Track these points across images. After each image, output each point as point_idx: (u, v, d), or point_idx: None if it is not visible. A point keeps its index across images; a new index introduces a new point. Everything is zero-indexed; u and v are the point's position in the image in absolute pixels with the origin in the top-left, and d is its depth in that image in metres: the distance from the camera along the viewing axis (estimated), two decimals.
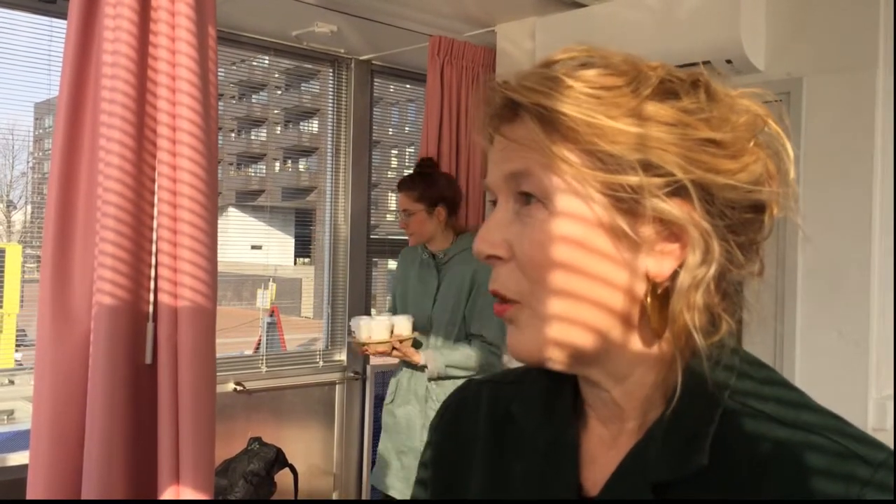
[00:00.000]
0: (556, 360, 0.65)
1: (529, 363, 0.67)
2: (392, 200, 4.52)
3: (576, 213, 0.62)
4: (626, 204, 0.61)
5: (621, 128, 0.60)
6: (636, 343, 0.65)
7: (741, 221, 0.63)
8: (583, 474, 0.68)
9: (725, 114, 0.63)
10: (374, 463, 3.51)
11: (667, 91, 0.63)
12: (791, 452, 0.60)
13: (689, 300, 0.62)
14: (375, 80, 3.61)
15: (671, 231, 0.62)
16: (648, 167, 0.60)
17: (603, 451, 0.68)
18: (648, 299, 0.63)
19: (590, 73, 0.63)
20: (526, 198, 0.64)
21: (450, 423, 0.80)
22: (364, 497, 3.50)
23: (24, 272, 3.98)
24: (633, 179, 0.60)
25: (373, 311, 3.87)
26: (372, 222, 3.72)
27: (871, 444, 0.60)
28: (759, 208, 0.64)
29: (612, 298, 0.63)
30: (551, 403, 0.72)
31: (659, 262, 0.63)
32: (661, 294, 0.63)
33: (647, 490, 0.61)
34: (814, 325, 2.24)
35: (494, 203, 0.68)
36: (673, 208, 0.61)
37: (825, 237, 2.16)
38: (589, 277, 0.63)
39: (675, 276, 0.63)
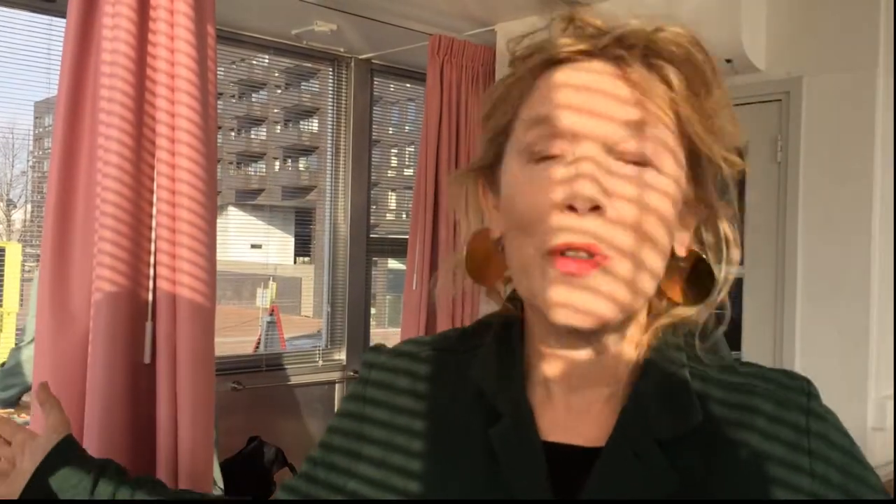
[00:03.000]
0: (627, 312, 0.64)
1: (593, 328, 0.62)
2: (392, 200, 4.52)
3: (675, 176, 0.64)
4: (699, 184, 0.66)
5: (719, 107, 0.64)
6: (643, 309, 0.69)
7: (721, 195, 0.68)
8: (554, 437, 0.66)
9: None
10: None
11: (716, 82, 0.66)
12: (743, 401, 0.66)
13: (721, 283, 0.66)
14: (375, 79, 3.61)
15: (691, 210, 0.67)
16: (722, 156, 0.65)
17: (576, 418, 0.67)
18: (682, 267, 0.68)
19: (692, 47, 0.64)
20: (639, 151, 0.61)
21: (362, 404, 0.74)
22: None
23: (23, 271, 3.98)
24: (717, 164, 0.65)
25: (372, 310, 3.87)
26: (372, 221, 3.72)
27: (791, 375, 0.69)
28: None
29: (660, 267, 0.65)
30: (504, 370, 0.70)
31: (681, 240, 0.67)
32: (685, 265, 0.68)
33: (654, 446, 0.63)
34: (813, 325, 2.24)
35: (548, 158, 0.62)
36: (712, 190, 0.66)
37: (825, 236, 2.16)
38: (663, 242, 0.64)
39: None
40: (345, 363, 3.53)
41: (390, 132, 4.25)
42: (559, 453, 0.65)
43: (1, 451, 1.02)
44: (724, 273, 0.67)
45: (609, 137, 0.61)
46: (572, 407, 0.68)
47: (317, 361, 3.49)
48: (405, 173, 4.68)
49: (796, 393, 0.67)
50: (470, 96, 3.11)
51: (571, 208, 0.60)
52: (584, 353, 0.67)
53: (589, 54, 0.64)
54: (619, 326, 0.66)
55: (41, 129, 3.31)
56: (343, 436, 0.74)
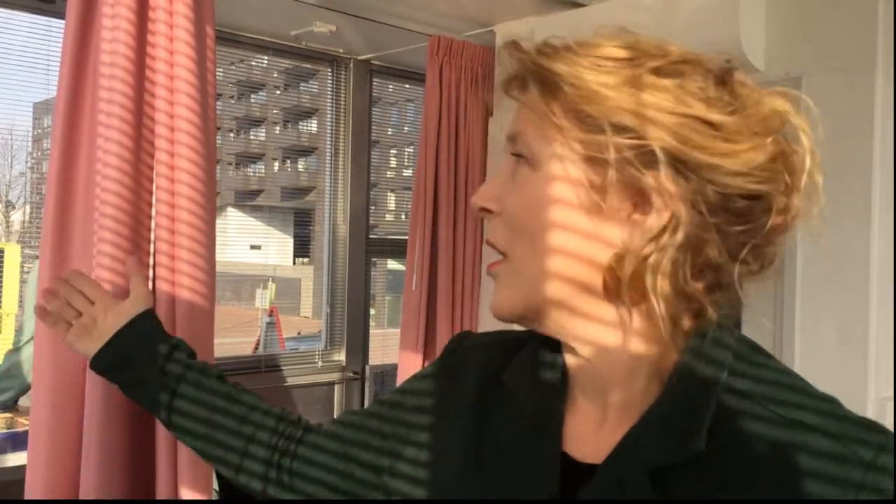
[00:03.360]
0: (521, 314, 0.68)
1: (507, 319, 0.70)
2: (391, 200, 4.52)
3: (556, 175, 0.65)
4: (602, 169, 0.62)
5: (610, 91, 0.62)
6: (607, 311, 0.66)
7: (732, 210, 0.63)
8: (571, 449, 0.68)
9: (736, 101, 0.64)
10: None
11: (672, 71, 0.64)
12: (787, 435, 0.60)
13: (655, 265, 0.61)
14: (374, 79, 3.61)
15: (645, 202, 0.63)
16: (622, 130, 0.61)
17: (593, 429, 0.68)
18: (616, 267, 0.64)
19: (600, 45, 0.65)
20: (517, 157, 0.68)
21: (444, 378, 0.81)
22: None
23: (22, 272, 3.97)
24: (611, 140, 0.61)
25: (372, 311, 3.87)
26: (371, 222, 3.72)
27: (870, 428, 0.60)
28: (754, 199, 0.64)
29: (578, 262, 0.65)
30: (541, 376, 0.72)
31: (630, 232, 0.63)
32: (636, 265, 0.63)
33: (643, 474, 0.61)
34: (812, 326, 2.24)
35: None
36: (640, 174, 0.61)
37: (824, 236, 2.16)
38: (561, 238, 0.65)
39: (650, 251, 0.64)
40: (344, 364, 3.53)
41: (389, 133, 4.25)
42: (569, 468, 0.67)
43: (85, 308, 1.11)
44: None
45: (507, 153, 0.70)
46: (591, 417, 0.69)
47: (316, 362, 3.49)
48: (404, 174, 4.68)
49: (865, 447, 0.58)
50: (469, 97, 3.10)
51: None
52: (574, 356, 0.69)
53: (504, 89, 0.72)
54: (570, 322, 0.67)
55: (40, 131, 3.31)
56: (412, 396, 0.83)
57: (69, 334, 1.12)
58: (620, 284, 0.64)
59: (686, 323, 0.65)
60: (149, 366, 1.03)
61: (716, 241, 0.63)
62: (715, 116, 0.62)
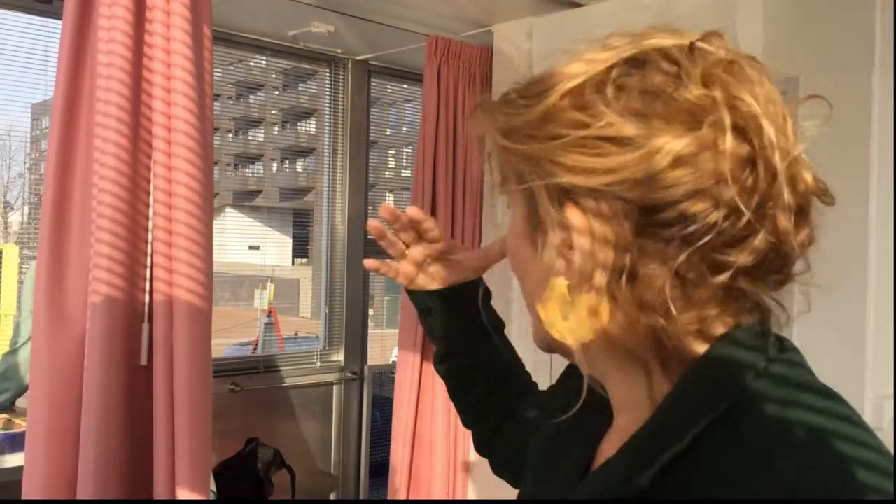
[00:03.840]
0: (551, 349, 0.69)
1: (543, 348, 0.71)
2: (390, 200, 4.51)
3: (512, 222, 0.68)
4: (534, 211, 0.63)
5: (519, 140, 0.61)
6: (595, 346, 0.62)
7: (654, 225, 0.57)
8: (598, 459, 0.70)
9: (660, 94, 0.58)
10: (372, 465, 3.50)
11: (581, 89, 0.59)
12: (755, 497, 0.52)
13: (584, 307, 0.59)
14: (372, 80, 3.61)
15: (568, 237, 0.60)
16: (517, 175, 0.63)
17: (607, 446, 0.69)
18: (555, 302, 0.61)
19: (534, 81, 0.64)
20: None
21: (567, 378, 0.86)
22: (362, 498, 3.50)
23: (21, 273, 3.96)
24: (512, 187, 0.64)
25: (370, 311, 3.87)
26: (369, 222, 3.72)
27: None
28: (671, 207, 0.56)
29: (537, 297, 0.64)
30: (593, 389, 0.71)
31: (553, 262, 0.61)
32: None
33: (595, 500, 0.62)
34: (810, 325, 2.24)
35: None
36: (557, 213, 0.60)
37: (821, 236, 2.16)
38: (526, 281, 0.68)
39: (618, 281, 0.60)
40: (343, 364, 3.53)
41: (388, 133, 4.25)
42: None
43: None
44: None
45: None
46: (613, 437, 0.69)
47: (315, 363, 3.49)
48: (403, 174, 4.68)
49: None
50: (467, 97, 3.10)
51: None
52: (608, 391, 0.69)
53: None
54: (576, 357, 0.62)
55: (38, 131, 3.31)
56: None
57: (403, 268, 1.11)
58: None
59: (682, 352, 0.59)
60: (461, 318, 1.08)
61: (656, 262, 0.57)
62: (611, 129, 0.57)
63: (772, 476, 0.52)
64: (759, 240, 0.58)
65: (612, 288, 0.58)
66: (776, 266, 0.61)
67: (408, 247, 1.10)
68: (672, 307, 0.57)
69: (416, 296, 1.09)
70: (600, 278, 0.58)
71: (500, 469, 1.04)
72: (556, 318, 0.61)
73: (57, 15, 2.04)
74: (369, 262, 1.13)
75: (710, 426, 0.56)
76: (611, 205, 0.57)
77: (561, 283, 0.60)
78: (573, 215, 0.59)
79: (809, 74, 2.26)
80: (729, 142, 0.56)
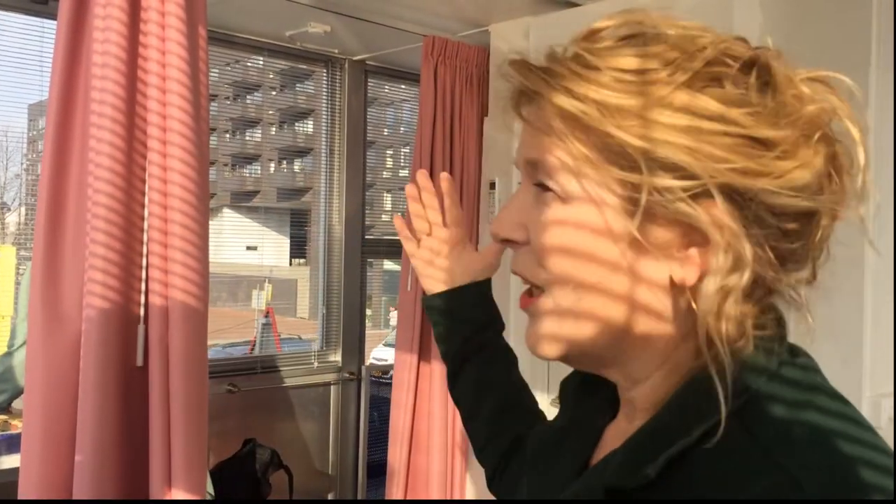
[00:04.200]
0: (564, 354, 0.63)
1: (547, 359, 0.64)
2: (387, 201, 4.51)
3: (590, 209, 0.58)
4: (639, 205, 0.56)
5: (647, 121, 0.55)
6: (653, 347, 0.61)
7: (785, 230, 0.57)
8: (597, 455, 0.70)
9: (781, 105, 0.57)
10: (370, 465, 3.50)
11: (710, 77, 0.56)
12: (762, 490, 0.52)
13: (717, 309, 0.56)
14: (370, 80, 3.60)
15: (695, 235, 0.57)
16: (665, 167, 0.55)
17: (611, 442, 0.69)
18: (670, 304, 0.59)
19: (623, 55, 0.58)
20: (542, 186, 0.61)
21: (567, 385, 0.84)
22: (360, 498, 3.50)
23: (17, 274, 3.96)
24: (658, 181, 0.55)
25: (368, 311, 3.86)
26: (367, 223, 3.71)
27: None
28: (808, 215, 0.58)
29: (615, 302, 0.59)
30: (600, 392, 0.73)
31: (681, 268, 0.58)
32: (687, 300, 0.58)
33: (600, 492, 0.60)
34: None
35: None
36: (695, 211, 0.55)
37: (878, 233, 2.16)
38: (593, 278, 0.59)
39: (700, 282, 0.57)
40: (340, 365, 3.52)
41: (385, 133, 4.24)
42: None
43: (438, 230, 1.08)
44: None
45: (527, 178, 0.64)
46: (617, 434, 0.68)
47: (312, 363, 3.49)
48: (400, 174, 4.68)
49: None
50: (464, 97, 3.10)
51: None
52: (622, 391, 0.69)
53: (512, 105, 0.65)
54: (612, 361, 0.63)
55: (35, 132, 3.30)
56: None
57: (416, 256, 1.09)
58: (654, 320, 0.60)
59: (722, 350, 0.58)
60: (465, 327, 1.05)
61: (773, 265, 0.57)
62: (764, 132, 0.55)
63: (779, 472, 0.52)
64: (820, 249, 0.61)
65: (736, 304, 0.56)
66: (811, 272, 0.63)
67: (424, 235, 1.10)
68: (750, 318, 0.57)
69: (427, 300, 1.08)
70: (742, 279, 0.56)
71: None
72: (678, 322, 0.60)
73: (52, 15, 2.04)
74: (399, 220, 1.12)
75: (719, 423, 0.55)
76: (757, 210, 0.56)
77: (691, 285, 0.57)
78: (723, 216, 0.55)
79: None
80: (862, 157, 0.60)
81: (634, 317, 0.60)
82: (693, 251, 0.57)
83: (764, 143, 0.55)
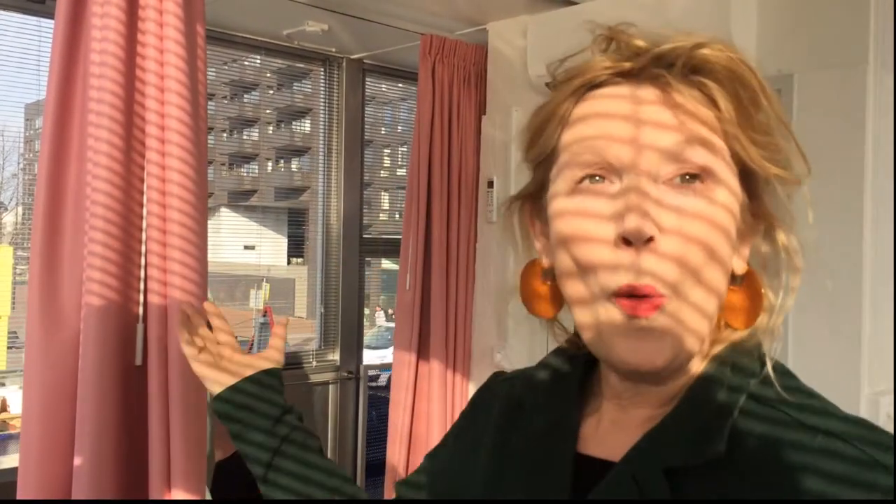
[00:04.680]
0: (689, 351, 0.61)
1: (660, 367, 0.61)
2: (384, 200, 4.51)
3: (728, 200, 0.61)
4: (759, 202, 0.64)
5: (776, 124, 0.62)
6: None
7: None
8: (590, 449, 0.68)
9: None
10: (368, 464, 3.50)
11: (773, 95, 0.64)
12: (810, 455, 0.57)
13: (783, 287, 0.64)
14: (367, 78, 3.60)
15: (774, 224, 0.65)
16: (785, 165, 0.63)
17: (613, 430, 0.68)
18: (740, 291, 0.65)
19: (752, 65, 0.63)
20: (684, 176, 0.59)
21: (472, 408, 0.84)
22: None
23: (15, 274, 3.95)
24: (779, 174, 0.62)
25: (366, 310, 3.86)
26: (364, 221, 3.71)
27: (885, 447, 0.57)
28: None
29: (718, 299, 0.63)
30: (556, 388, 0.73)
31: (739, 259, 0.65)
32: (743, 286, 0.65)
33: (658, 471, 0.60)
34: (806, 322, 2.24)
35: (591, 177, 0.61)
36: (783, 199, 0.65)
37: (816, 233, 2.16)
38: (722, 270, 0.62)
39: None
40: (338, 364, 3.52)
41: (383, 132, 4.24)
42: (588, 466, 0.66)
43: (211, 343, 1.12)
44: (787, 283, 0.65)
45: (653, 167, 0.59)
46: (617, 423, 0.68)
47: (310, 362, 3.49)
48: (398, 173, 4.68)
49: (886, 473, 0.55)
50: (462, 95, 3.10)
51: (626, 242, 0.58)
52: (643, 385, 0.67)
53: (629, 75, 0.62)
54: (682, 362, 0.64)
55: (32, 132, 3.29)
56: (451, 435, 0.85)
57: (197, 360, 1.10)
58: (739, 306, 0.65)
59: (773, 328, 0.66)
60: (263, 420, 1.03)
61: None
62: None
63: (821, 434, 0.58)
64: None
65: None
66: None
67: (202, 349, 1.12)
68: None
69: (218, 404, 1.06)
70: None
71: None
72: (743, 306, 0.65)
73: (50, 15, 2.03)
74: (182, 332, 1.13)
75: (752, 399, 0.62)
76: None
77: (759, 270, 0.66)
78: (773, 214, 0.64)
79: (804, 72, 2.26)
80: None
81: (715, 310, 0.63)
82: (754, 241, 0.64)
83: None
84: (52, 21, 1.57)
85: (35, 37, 2.70)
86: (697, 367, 0.65)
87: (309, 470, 1.00)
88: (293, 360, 3.48)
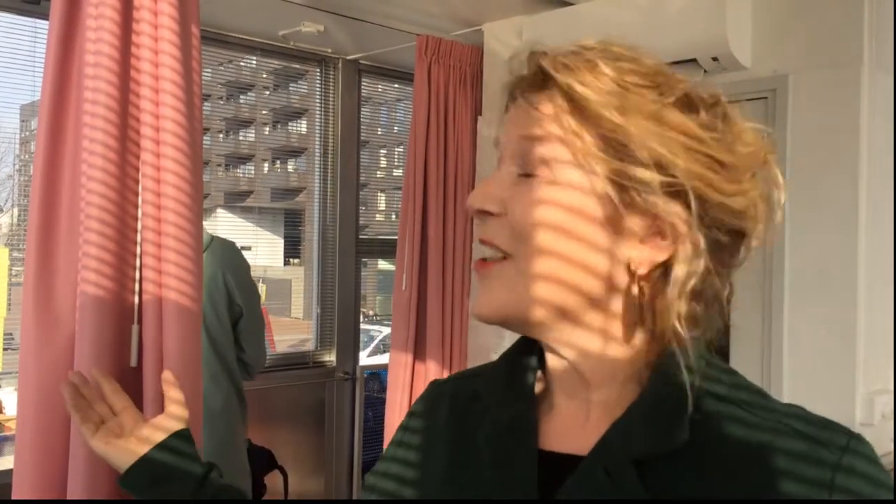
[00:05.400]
0: (505, 317, 0.69)
1: (490, 321, 0.70)
2: (381, 200, 4.51)
3: (575, 187, 0.66)
4: (626, 194, 0.65)
5: (643, 123, 0.64)
6: (596, 319, 0.68)
7: (720, 242, 0.67)
8: (553, 444, 0.70)
9: (734, 140, 0.67)
10: (364, 465, 3.50)
11: (688, 104, 0.67)
12: (763, 436, 0.63)
13: (681, 291, 0.65)
14: (363, 79, 3.60)
15: (659, 228, 0.66)
16: (658, 166, 0.64)
17: (575, 426, 0.71)
18: (635, 288, 0.67)
19: (624, 67, 0.66)
20: (531, 163, 0.68)
21: (411, 418, 0.84)
22: (355, 498, 3.50)
23: (10, 275, 3.94)
24: (642, 173, 0.64)
25: (362, 311, 3.86)
26: (361, 222, 3.71)
27: (835, 430, 0.64)
28: (738, 235, 0.68)
29: (588, 278, 0.67)
30: (512, 384, 0.75)
31: (642, 254, 0.66)
32: (647, 286, 0.67)
33: (628, 463, 0.63)
34: (801, 321, 2.25)
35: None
36: (672, 207, 0.64)
37: (812, 233, 2.17)
38: (572, 249, 0.67)
39: (657, 272, 0.67)
40: (335, 365, 3.52)
41: (379, 133, 4.24)
42: (552, 461, 0.68)
43: (108, 415, 1.11)
44: (684, 275, 0.67)
45: (508, 159, 0.70)
46: (573, 415, 0.71)
47: (306, 363, 3.48)
48: (394, 174, 4.67)
49: (831, 449, 0.62)
50: (458, 96, 3.10)
51: (478, 214, 0.72)
52: (557, 358, 0.72)
53: (517, 88, 0.71)
54: (569, 330, 0.69)
55: (27, 133, 3.29)
56: (395, 444, 0.85)
57: (96, 438, 1.09)
58: (614, 296, 0.68)
59: (670, 333, 0.67)
60: (185, 487, 1.03)
61: (715, 270, 0.67)
62: (725, 157, 0.65)
63: (775, 414, 0.65)
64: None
65: (693, 287, 0.66)
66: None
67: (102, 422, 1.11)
68: (701, 309, 0.67)
69: (127, 481, 1.05)
70: (691, 279, 0.65)
71: None
72: (638, 305, 0.67)
73: (44, 15, 2.03)
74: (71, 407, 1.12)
75: (702, 392, 0.66)
76: (710, 219, 0.65)
77: (652, 269, 0.67)
78: (680, 218, 0.65)
79: (799, 72, 2.27)
80: (783, 195, 0.69)
81: (588, 287, 0.67)
82: (659, 242, 0.66)
83: (723, 166, 0.65)
84: (47, 22, 1.57)
85: (30, 37, 2.69)
86: (618, 353, 0.69)
87: None
88: (289, 361, 3.48)
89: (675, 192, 0.64)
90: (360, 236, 3.66)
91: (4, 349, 3.62)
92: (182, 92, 1.48)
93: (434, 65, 3.04)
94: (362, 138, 3.66)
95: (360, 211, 3.68)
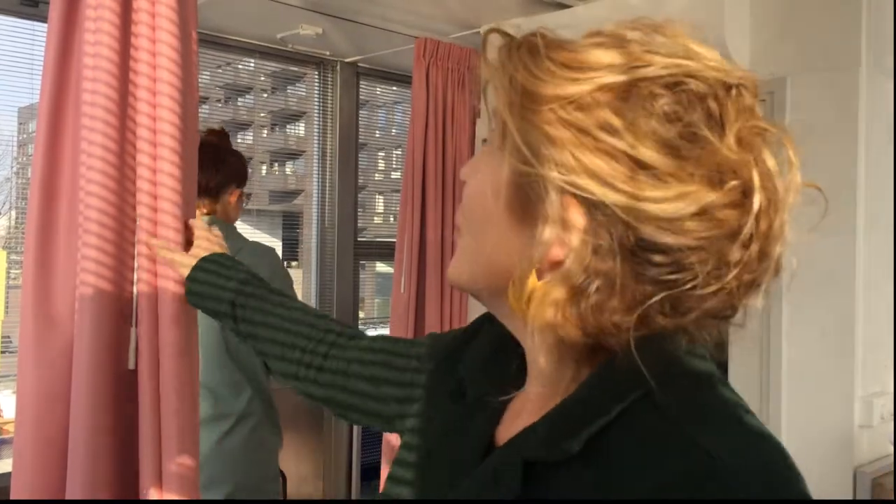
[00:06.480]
0: (466, 287, 0.72)
1: (458, 287, 0.78)
2: (379, 203, 4.51)
3: (489, 177, 0.66)
4: (527, 185, 0.61)
5: (539, 110, 0.59)
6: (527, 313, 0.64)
7: (645, 259, 0.57)
8: (501, 436, 0.71)
9: (696, 138, 0.57)
10: (363, 468, 3.49)
11: (626, 91, 0.58)
12: (663, 458, 0.56)
13: (543, 293, 0.60)
14: (361, 82, 3.60)
15: (562, 224, 0.59)
16: (550, 161, 0.58)
17: (514, 418, 0.71)
18: (529, 281, 0.61)
19: (568, 48, 0.63)
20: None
21: (426, 358, 0.94)
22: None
23: (9, 278, 3.93)
24: (525, 168, 0.60)
25: (360, 314, 3.86)
26: (359, 224, 3.71)
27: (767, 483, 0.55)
28: (674, 253, 0.57)
29: (497, 256, 0.66)
30: (493, 363, 0.77)
31: (545, 249, 0.60)
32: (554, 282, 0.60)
33: (518, 464, 0.62)
34: (799, 324, 2.25)
35: None
36: (552, 201, 0.58)
37: (809, 236, 2.17)
38: (487, 229, 0.67)
39: (563, 269, 0.60)
40: None
41: (377, 135, 4.24)
42: (492, 451, 0.69)
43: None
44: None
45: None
46: (533, 403, 0.70)
47: None
48: (392, 176, 4.67)
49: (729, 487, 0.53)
50: (456, 98, 3.10)
51: None
52: (534, 367, 0.71)
53: None
54: (505, 313, 0.70)
55: (25, 135, 3.28)
56: (409, 371, 1.01)
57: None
58: (524, 295, 0.62)
59: (608, 337, 0.60)
60: (231, 278, 1.32)
61: (631, 285, 0.58)
62: (642, 153, 0.56)
63: (695, 448, 0.56)
64: (723, 296, 0.60)
65: (584, 291, 0.59)
66: (723, 313, 0.63)
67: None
68: (628, 325, 0.59)
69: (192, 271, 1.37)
70: (579, 281, 0.59)
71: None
72: (521, 297, 0.62)
73: (42, 18, 2.03)
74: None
75: (634, 404, 0.59)
76: (615, 225, 0.57)
77: (526, 269, 0.62)
78: (576, 217, 0.58)
79: (797, 74, 2.27)
80: (756, 206, 0.58)
81: (504, 273, 0.64)
82: (565, 236, 0.59)
83: (637, 163, 0.56)
84: (45, 25, 1.57)
85: (28, 40, 2.69)
86: (551, 348, 0.63)
87: (272, 296, 1.27)
88: None
89: (573, 189, 0.57)
90: (359, 239, 3.66)
91: (2, 352, 3.61)
92: (179, 94, 1.48)
93: (432, 67, 3.05)
94: (361, 141, 3.66)
95: (359, 213, 3.68)
